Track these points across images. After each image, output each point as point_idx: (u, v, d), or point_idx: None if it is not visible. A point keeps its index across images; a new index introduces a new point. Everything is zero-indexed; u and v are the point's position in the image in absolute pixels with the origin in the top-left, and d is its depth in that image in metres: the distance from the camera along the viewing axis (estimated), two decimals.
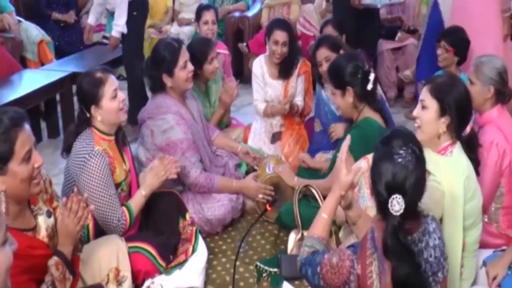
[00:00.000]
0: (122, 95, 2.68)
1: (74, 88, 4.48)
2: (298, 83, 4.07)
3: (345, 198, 2.14)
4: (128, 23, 4.51)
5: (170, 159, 2.85)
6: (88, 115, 2.64)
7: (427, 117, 2.35)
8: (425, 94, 2.38)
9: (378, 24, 5.36)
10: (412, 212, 1.80)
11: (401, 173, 1.77)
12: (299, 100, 4.09)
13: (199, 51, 3.66)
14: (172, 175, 2.86)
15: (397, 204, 1.75)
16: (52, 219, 2.15)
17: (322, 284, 1.92)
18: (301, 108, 4.12)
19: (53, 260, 2.05)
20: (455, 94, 2.34)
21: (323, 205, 2.17)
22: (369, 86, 2.96)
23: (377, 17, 5.23)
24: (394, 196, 1.75)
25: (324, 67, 3.52)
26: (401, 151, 1.79)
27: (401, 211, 1.75)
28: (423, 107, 2.37)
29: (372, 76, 2.96)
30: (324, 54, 3.60)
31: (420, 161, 1.82)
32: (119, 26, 4.51)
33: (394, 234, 1.74)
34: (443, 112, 2.33)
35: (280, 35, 3.87)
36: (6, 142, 1.90)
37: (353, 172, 2.13)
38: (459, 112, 2.34)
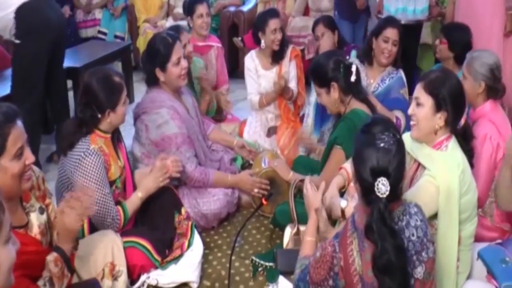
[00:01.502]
0: (128, 100, 2.73)
1: (69, 83, 4.48)
2: (290, 69, 4.11)
3: (320, 214, 2.36)
4: (15, 51, 3.87)
5: (169, 165, 2.85)
6: (99, 116, 2.62)
7: (423, 114, 2.34)
8: (419, 91, 2.36)
9: (418, 40, 4.98)
10: (395, 194, 1.83)
11: (385, 157, 1.81)
12: (293, 86, 4.12)
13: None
14: (175, 174, 2.89)
15: (383, 187, 1.78)
16: (44, 216, 2.14)
17: None
18: (295, 94, 4.14)
19: (52, 256, 2.04)
20: (449, 88, 2.33)
21: (305, 230, 2.34)
22: (353, 78, 2.98)
23: (418, 32, 4.86)
24: (379, 179, 1.79)
25: (390, 48, 3.64)
26: (383, 136, 1.83)
27: (387, 193, 1.78)
28: (418, 104, 2.36)
29: (354, 68, 2.98)
30: (394, 37, 3.65)
31: (400, 144, 1.87)
32: None
33: (381, 217, 1.77)
34: (438, 107, 2.32)
35: (276, 23, 3.94)
36: None
37: (320, 190, 2.42)
38: (454, 105, 2.34)
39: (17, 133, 1.92)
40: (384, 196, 1.78)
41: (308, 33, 5.34)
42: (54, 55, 4.01)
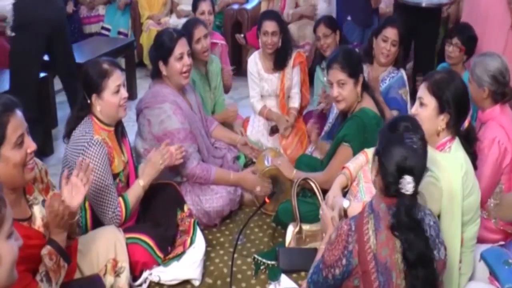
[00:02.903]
0: (125, 92, 2.69)
1: None
2: (293, 75, 4.08)
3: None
4: (12, 44, 3.97)
5: (170, 149, 2.86)
6: (89, 101, 2.65)
7: (426, 114, 2.34)
8: (423, 91, 2.37)
9: (439, 26, 4.75)
10: (417, 191, 1.89)
11: (412, 156, 1.84)
12: (295, 92, 4.11)
13: (185, 30, 3.63)
14: (178, 160, 2.89)
15: (409, 185, 1.82)
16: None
17: (325, 274, 1.95)
18: (298, 105, 4.13)
19: (46, 250, 2.04)
20: (453, 91, 2.33)
21: (324, 239, 2.33)
22: (366, 76, 3.05)
23: (438, 17, 4.64)
24: (405, 177, 1.82)
25: (389, 47, 3.66)
26: (412, 136, 1.88)
27: (413, 190, 1.83)
28: (422, 105, 2.36)
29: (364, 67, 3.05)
30: (394, 37, 3.65)
31: (425, 143, 1.91)
32: None
33: (408, 212, 1.82)
34: (441, 109, 2.32)
35: (269, 25, 3.89)
36: None
37: (336, 209, 2.44)
38: (457, 108, 2.34)
39: (16, 121, 1.94)
40: (410, 193, 1.83)
41: (306, 41, 5.34)
42: (55, 51, 4.06)
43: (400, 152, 1.84)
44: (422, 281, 1.81)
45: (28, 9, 3.80)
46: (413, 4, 4.26)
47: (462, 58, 3.70)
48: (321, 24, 4.14)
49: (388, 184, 1.86)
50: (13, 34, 3.85)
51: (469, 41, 3.71)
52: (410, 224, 1.82)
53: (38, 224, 2.09)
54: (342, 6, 5.02)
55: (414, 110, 2.40)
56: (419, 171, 1.86)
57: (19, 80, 3.91)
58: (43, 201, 2.14)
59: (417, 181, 1.85)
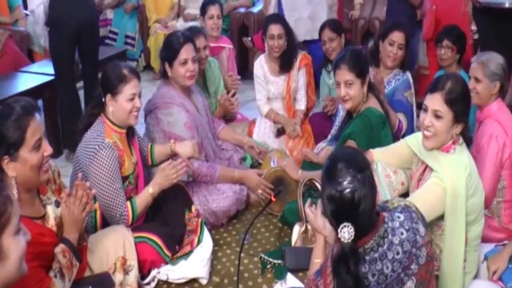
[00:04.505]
0: (139, 103, 2.72)
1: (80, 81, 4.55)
2: (299, 77, 4.10)
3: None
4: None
5: (182, 162, 2.85)
6: (103, 99, 2.70)
7: (442, 125, 2.31)
8: (439, 104, 2.30)
9: None
10: (364, 231, 1.75)
11: (347, 203, 1.70)
12: (301, 95, 4.13)
13: None
14: (180, 176, 2.87)
15: (347, 233, 1.70)
16: (60, 209, 2.19)
17: None
18: (304, 108, 4.16)
19: (60, 248, 2.09)
20: (467, 99, 2.35)
21: (313, 253, 2.19)
22: (372, 77, 3.11)
23: None
24: (343, 225, 1.70)
25: (396, 51, 3.67)
26: (345, 181, 1.70)
27: (352, 237, 1.70)
28: (437, 117, 2.31)
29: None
30: (400, 40, 3.69)
31: (365, 184, 1.72)
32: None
33: (344, 261, 1.71)
34: (457, 119, 2.31)
35: (274, 29, 3.91)
36: (17, 129, 1.96)
37: (318, 209, 2.18)
38: (468, 114, 2.37)
39: (36, 125, 1.99)
40: (349, 241, 1.70)
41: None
42: (82, 48, 4.31)
43: (333, 198, 1.71)
44: None
45: (59, 8, 4.10)
46: (496, 6, 4.02)
47: (455, 58, 3.83)
48: (326, 28, 4.17)
49: (333, 228, 1.77)
50: (47, 29, 4.24)
51: (459, 39, 3.81)
52: (344, 275, 1.70)
53: (51, 223, 2.14)
54: (388, 12, 5.10)
55: (428, 122, 2.33)
56: (359, 216, 1.70)
57: (56, 69, 4.26)
58: (56, 201, 2.19)
59: (359, 225, 1.70)
